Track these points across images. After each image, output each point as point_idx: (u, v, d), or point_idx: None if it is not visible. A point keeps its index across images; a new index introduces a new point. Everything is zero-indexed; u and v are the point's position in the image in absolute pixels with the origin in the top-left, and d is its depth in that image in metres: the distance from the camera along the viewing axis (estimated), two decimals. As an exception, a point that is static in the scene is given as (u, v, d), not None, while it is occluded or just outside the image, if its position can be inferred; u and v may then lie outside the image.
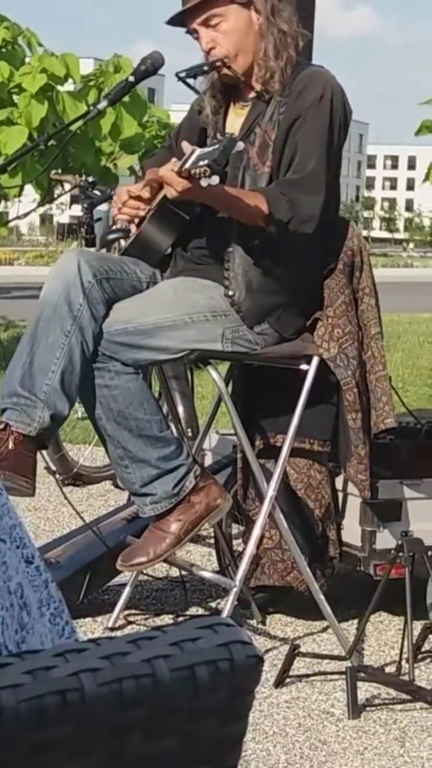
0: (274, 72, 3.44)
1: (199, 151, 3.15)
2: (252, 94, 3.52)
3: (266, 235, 3.35)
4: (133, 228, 3.56)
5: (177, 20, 3.50)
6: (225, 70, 3.48)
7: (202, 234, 3.51)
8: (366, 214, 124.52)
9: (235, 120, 3.55)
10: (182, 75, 3.47)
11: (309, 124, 3.39)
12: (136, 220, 3.52)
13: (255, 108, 3.50)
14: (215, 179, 3.06)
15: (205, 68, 3.49)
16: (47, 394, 3.24)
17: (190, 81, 3.51)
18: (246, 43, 3.47)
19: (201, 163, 3.06)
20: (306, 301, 3.54)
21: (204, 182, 3.06)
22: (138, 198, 3.48)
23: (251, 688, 0.88)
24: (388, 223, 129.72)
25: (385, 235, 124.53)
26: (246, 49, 3.47)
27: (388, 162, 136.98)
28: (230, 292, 3.42)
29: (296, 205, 3.33)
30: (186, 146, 3.25)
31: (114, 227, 5.07)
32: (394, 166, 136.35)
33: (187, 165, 3.12)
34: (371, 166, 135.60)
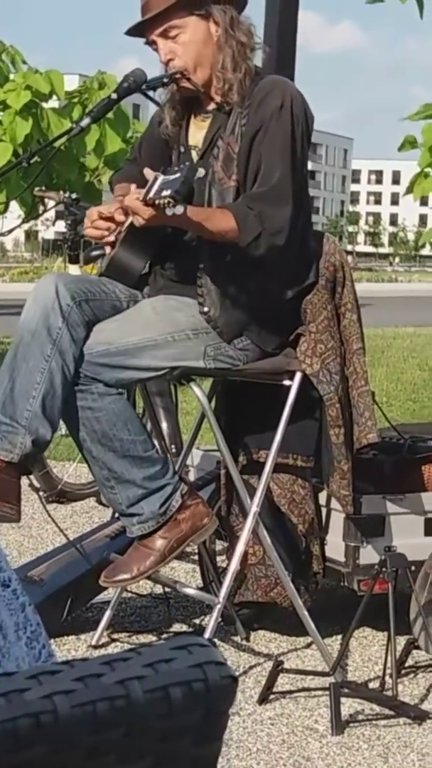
0: (233, 84, 3.42)
1: (162, 178, 3.14)
2: (212, 106, 3.51)
3: (238, 250, 3.33)
4: (107, 250, 3.56)
5: (136, 31, 3.49)
6: (184, 82, 3.46)
7: (175, 253, 3.51)
8: (351, 228, 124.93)
9: (197, 132, 3.54)
10: (142, 87, 3.48)
11: (271, 134, 3.37)
12: (111, 238, 3.50)
13: (216, 120, 3.49)
14: (180, 208, 3.06)
15: (165, 80, 3.47)
16: (28, 420, 3.23)
17: (150, 93, 3.51)
18: (205, 55, 3.44)
19: (164, 193, 3.06)
20: (285, 314, 3.53)
21: (169, 212, 3.06)
22: (110, 219, 3.46)
23: (226, 709, 0.88)
24: (373, 237, 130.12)
25: (370, 249, 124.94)
26: (204, 61, 3.44)
27: (373, 177, 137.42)
28: (205, 309, 3.41)
29: (264, 217, 3.31)
30: (148, 173, 3.23)
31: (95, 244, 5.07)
32: (379, 181, 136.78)
33: (151, 194, 3.11)
34: (356, 180, 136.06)
